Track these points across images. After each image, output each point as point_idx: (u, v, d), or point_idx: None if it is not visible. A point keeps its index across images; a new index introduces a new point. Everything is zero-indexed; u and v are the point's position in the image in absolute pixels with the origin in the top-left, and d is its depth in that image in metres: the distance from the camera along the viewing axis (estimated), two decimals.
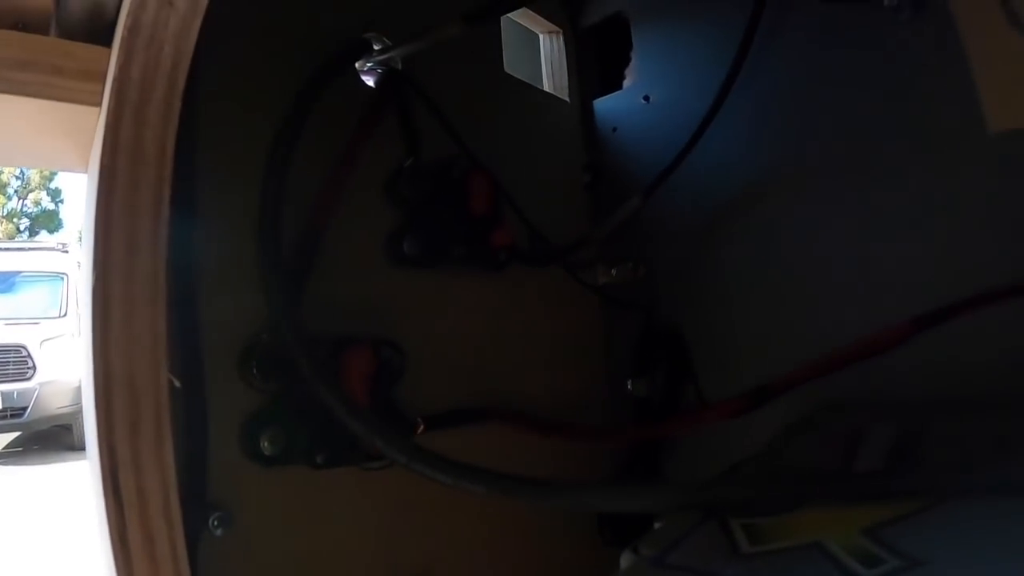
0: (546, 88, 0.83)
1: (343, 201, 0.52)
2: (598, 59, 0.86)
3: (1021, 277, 0.49)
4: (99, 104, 0.35)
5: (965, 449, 0.41)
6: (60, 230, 11.90)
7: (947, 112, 0.57)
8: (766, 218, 0.67)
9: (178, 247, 0.37)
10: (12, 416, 3.81)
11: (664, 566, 0.33)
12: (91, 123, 0.36)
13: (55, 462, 3.84)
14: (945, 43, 0.56)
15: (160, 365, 0.34)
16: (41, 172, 10.74)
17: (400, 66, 0.57)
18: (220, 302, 0.44)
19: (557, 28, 0.84)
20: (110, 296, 0.33)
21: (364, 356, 0.50)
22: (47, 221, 12.02)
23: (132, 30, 0.34)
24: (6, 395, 3.76)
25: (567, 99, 0.81)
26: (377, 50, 0.57)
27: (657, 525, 0.43)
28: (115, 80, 0.34)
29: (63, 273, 4.36)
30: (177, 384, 0.40)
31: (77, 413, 3.71)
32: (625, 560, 0.37)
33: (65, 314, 4.17)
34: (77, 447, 3.90)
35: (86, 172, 0.39)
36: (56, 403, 3.88)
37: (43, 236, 10.72)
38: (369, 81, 0.57)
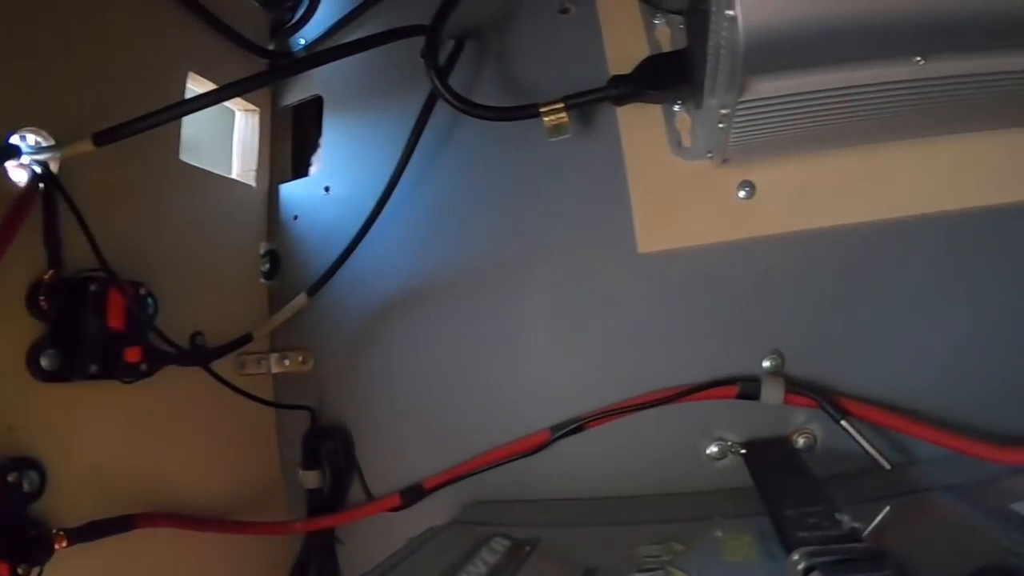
0: (235, 168, 0.83)
1: None
2: (293, 142, 0.87)
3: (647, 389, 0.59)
4: None
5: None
6: None
7: (605, 227, 0.63)
8: (427, 318, 0.71)
9: None
10: None
11: None
12: None
13: None
14: (612, 159, 0.62)
15: None
16: None
17: (56, 168, 0.56)
18: None
19: (255, 107, 0.84)
20: None
21: None
22: None
23: None
24: None
25: (253, 183, 0.82)
26: (33, 147, 0.55)
27: None
28: None
29: None
30: None
31: None
32: None
33: None
34: None
35: None
36: None
37: None
38: (19, 179, 0.55)
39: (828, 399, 0.54)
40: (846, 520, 0.41)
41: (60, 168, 0.57)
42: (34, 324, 0.54)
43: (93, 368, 0.56)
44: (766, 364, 0.58)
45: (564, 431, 0.61)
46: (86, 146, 0.55)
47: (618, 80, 0.58)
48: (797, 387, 0.55)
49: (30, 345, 0.53)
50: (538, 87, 0.68)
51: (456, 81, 0.65)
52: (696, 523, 0.52)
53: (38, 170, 0.55)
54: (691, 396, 0.57)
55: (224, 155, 0.84)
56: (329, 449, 0.74)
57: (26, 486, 0.52)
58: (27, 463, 0.52)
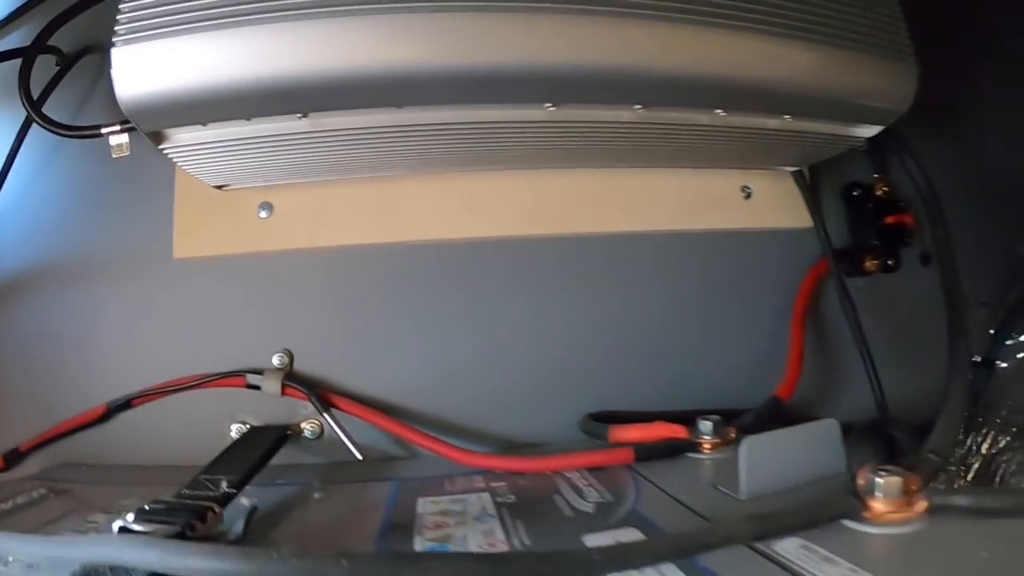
0: None
1: None
2: None
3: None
4: None
5: None
6: None
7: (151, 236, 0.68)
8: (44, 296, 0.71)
9: None
10: None
11: None
12: None
13: None
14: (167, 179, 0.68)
15: None
16: None
17: None
18: None
19: None
20: None
21: None
22: None
23: None
24: None
25: None
26: None
27: None
28: None
29: None
30: None
31: None
32: None
33: None
34: None
35: None
36: None
37: None
38: None
39: (316, 394, 0.65)
40: (224, 487, 0.51)
41: None
42: None
43: None
44: (275, 361, 0.68)
45: (116, 405, 0.68)
46: None
47: None
48: (292, 382, 0.66)
49: None
50: None
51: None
52: None
53: None
54: (210, 384, 0.66)
55: None
56: None
57: None
58: None
